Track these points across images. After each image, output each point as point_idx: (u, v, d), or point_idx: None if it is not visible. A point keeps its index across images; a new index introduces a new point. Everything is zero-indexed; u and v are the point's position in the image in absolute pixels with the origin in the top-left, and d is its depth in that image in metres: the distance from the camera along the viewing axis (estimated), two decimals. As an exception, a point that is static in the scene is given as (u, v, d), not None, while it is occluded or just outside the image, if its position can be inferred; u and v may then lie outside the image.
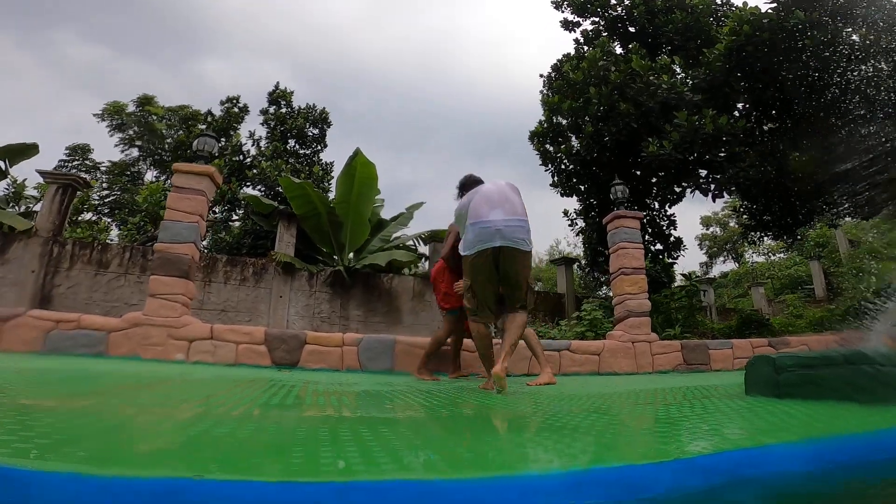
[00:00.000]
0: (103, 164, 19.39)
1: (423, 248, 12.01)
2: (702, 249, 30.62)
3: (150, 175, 19.59)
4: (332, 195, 11.65)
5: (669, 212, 11.10)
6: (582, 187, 10.83)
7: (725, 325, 10.15)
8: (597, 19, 11.17)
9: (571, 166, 10.54)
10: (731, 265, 29.10)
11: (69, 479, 0.80)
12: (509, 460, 1.03)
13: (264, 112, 15.26)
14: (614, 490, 0.90)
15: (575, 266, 13.59)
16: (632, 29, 10.78)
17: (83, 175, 13.88)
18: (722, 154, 8.71)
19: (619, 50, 10.59)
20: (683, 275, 11.54)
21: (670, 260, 10.74)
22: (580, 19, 11.39)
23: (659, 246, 10.80)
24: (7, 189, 11.20)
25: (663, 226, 10.95)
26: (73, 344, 4.49)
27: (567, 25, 11.51)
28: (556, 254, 26.55)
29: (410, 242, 11.97)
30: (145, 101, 19.29)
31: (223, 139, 14.93)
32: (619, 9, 10.88)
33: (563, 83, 10.29)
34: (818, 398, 1.87)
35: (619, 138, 9.22)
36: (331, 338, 4.96)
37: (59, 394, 2.11)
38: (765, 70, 8.54)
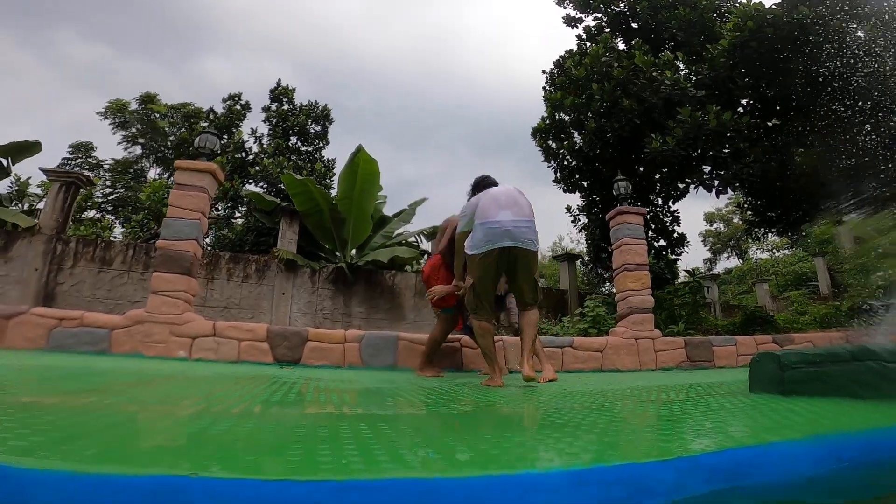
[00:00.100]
0: (106, 162, 19.49)
1: (426, 245, 12.01)
2: (705, 246, 30.58)
3: (153, 172, 19.68)
4: (334, 192, 11.66)
5: (673, 208, 11.07)
6: (585, 183, 10.80)
7: (729, 322, 10.12)
8: (599, 15, 11.13)
9: (574, 162, 10.51)
10: (734, 261, 29.07)
11: (65, 478, 0.79)
12: (510, 458, 1.02)
13: (266, 109, 15.25)
14: (616, 489, 0.88)
15: (578, 262, 13.57)
16: (634, 25, 10.73)
17: (86, 173, 13.89)
18: (726, 150, 8.66)
19: (621, 46, 10.53)
20: (687, 271, 11.49)
21: (674, 256, 10.72)
22: (582, 15, 11.35)
23: (662, 242, 10.77)
24: (11, 187, 11.24)
25: (667, 222, 10.92)
26: (77, 341, 4.50)
27: (569, 21, 11.46)
28: (559, 250, 26.54)
29: (413, 239, 11.97)
30: (148, 99, 19.35)
31: (225, 136, 14.93)
32: (622, 5, 10.83)
33: (565, 79, 10.25)
34: (823, 395, 1.85)
35: (621, 134, 9.19)
36: (333, 335, 4.96)
37: (60, 391, 2.11)
38: (769, 66, 8.49)
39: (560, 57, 11.23)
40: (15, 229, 8.40)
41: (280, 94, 15.39)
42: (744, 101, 9.48)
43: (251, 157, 14.78)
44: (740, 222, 22.58)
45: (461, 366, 4.99)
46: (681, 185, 10.59)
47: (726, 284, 23.27)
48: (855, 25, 8.32)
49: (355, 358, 4.85)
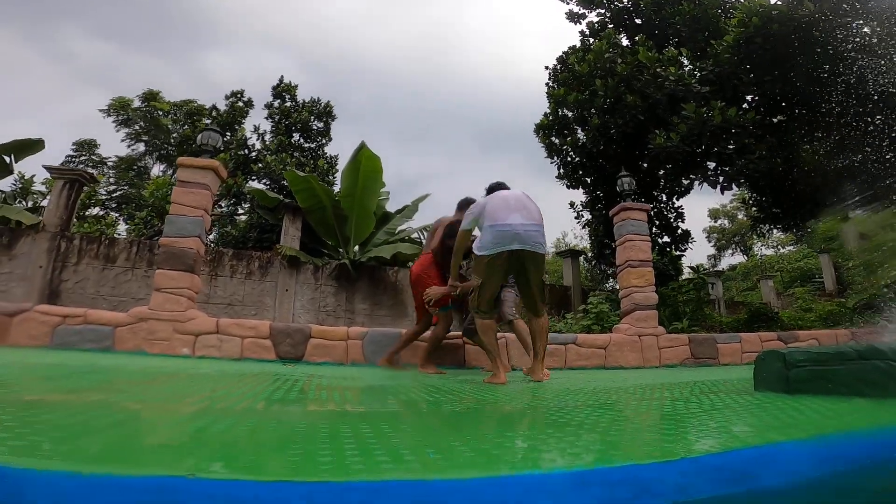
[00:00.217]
0: (110, 159, 19.55)
1: (428, 241, 11.96)
2: (710, 242, 30.43)
3: (156, 169, 19.74)
4: (337, 188, 11.65)
5: (677, 204, 11.01)
6: (588, 179, 10.76)
7: (734, 319, 10.08)
8: (602, 11, 11.04)
9: (577, 158, 10.47)
10: (739, 258, 28.94)
11: (63, 478, 0.78)
12: (512, 459, 1.01)
13: (269, 106, 15.27)
14: (619, 490, 0.87)
15: (581, 258, 13.55)
16: (638, 21, 10.65)
17: (90, 170, 13.95)
18: (731, 146, 8.61)
19: (625, 42, 10.46)
20: (691, 267, 11.45)
21: (678, 252, 10.66)
22: (586, 11, 11.27)
23: (666, 238, 10.72)
24: (14, 185, 11.28)
25: (671, 218, 10.86)
26: (80, 339, 4.51)
27: (572, 17, 11.38)
28: (563, 246, 26.44)
29: (415, 235, 11.96)
30: (151, 97, 19.38)
31: (228, 133, 14.96)
32: (626, 0, 10.75)
33: (568, 75, 10.20)
34: (829, 394, 1.83)
35: (625, 130, 9.14)
36: (335, 332, 4.96)
37: (63, 389, 2.11)
38: (774, 62, 8.42)
39: (563, 53, 11.17)
40: (19, 227, 8.43)
41: (282, 90, 15.40)
42: (749, 98, 9.40)
43: (254, 153, 14.81)
44: (745, 218, 22.49)
45: (464, 363, 5.00)
46: (685, 182, 10.53)
47: (731, 281, 23.19)
48: (860, 22, 8.24)
49: (358, 355, 4.85)
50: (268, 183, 13.74)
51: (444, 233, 4.30)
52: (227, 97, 16.57)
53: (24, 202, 11.23)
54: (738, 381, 2.88)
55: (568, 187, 10.94)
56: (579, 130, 10.36)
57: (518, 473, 0.89)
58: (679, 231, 10.80)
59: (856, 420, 1.45)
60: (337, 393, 2.38)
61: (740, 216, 27.11)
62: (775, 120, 9.34)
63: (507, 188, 3.83)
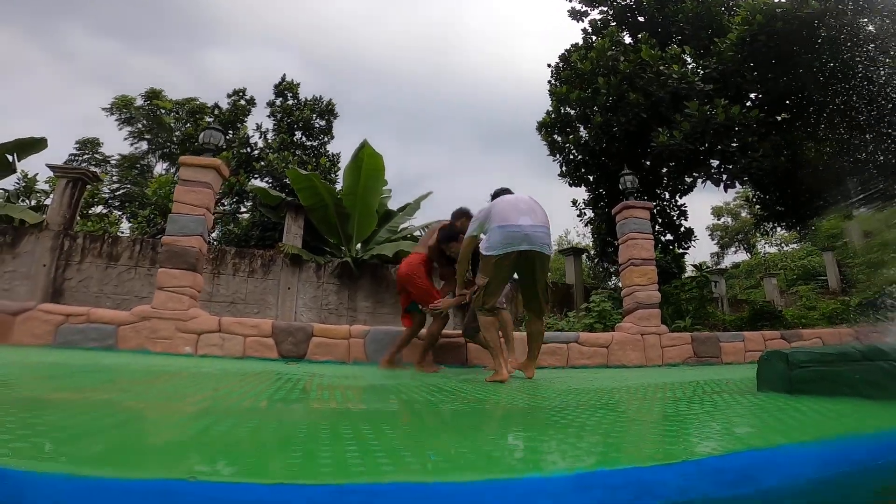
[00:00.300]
0: (113, 158, 19.57)
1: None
2: (713, 240, 30.36)
3: (159, 168, 19.76)
4: (339, 186, 11.66)
5: (680, 202, 10.97)
6: (590, 177, 10.74)
7: (737, 317, 10.05)
8: (605, 9, 10.99)
9: (580, 156, 10.45)
10: (742, 256, 28.84)
11: (64, 480, 0.78)
12: (512, 461, 1.01)
13: (271, 104, 15.27)
14: (620, 493, 0.87)
15: (584, 256, 13.52)
16: (641, 18, 10.61)
17: (93, 169, 13.96)
18: (734, 144, 8.57)
19: (628, 40, 10.42)
20: (694, 265, 11.42)
21: (681, 250, 10.63)
22: (588, 9, 11.22)
23: (669, 236, 10.69)
24: (18, 183, 11.31)
25: (674, 216, 10.83)
26: (83, 338, 4.52)
27: (575, 15, 11.34)
28: (565, 244, 26.39)
29: (418, 233, 11.96)
30: (153, 95, 19.40)
31: (230, 132, 14.96)
32: (629, -3, 10.71)
33: (571, 73, 10.17)
34: (832, 395, 1.82)
35: (628, 128, 9.11)
36: (337, 330, 4.97)
37: (66, 388, 2.12)
38: (778, 60, 8.37)
39: (566, 51, 11.13)
40: (23, 225, 8.46)
41: (285, 89, 15.40)
42: (752, 95, 9.35)
43: (256, 152, 14.82)
44: (748, 216, 22.41)
45: (465, 361, 5.00)
46: (688, 180, 10.49)
47: (734, 279, 23.09)
48: (866, 20, 8.18)
49: (360, 353, 4.85)
50: (270, 181, 13.75)
51: (438, 236, 4.32)
52: (229, 95, 16.57)
53: (27, 201, 11.24)
54: (741, 380, 2.87)
55: (570, 185, 10.92)
56: (582, 128, 10.34)
57: (519, 476, 0.89)
58: (682, 229, 10.77)
59: (859, 422, 1.45)
60: (339, 392, 2.38)
61: (744, 214, 27.03)
62: (779, 118, 9.29)
63: (512, 193, 3.89)
